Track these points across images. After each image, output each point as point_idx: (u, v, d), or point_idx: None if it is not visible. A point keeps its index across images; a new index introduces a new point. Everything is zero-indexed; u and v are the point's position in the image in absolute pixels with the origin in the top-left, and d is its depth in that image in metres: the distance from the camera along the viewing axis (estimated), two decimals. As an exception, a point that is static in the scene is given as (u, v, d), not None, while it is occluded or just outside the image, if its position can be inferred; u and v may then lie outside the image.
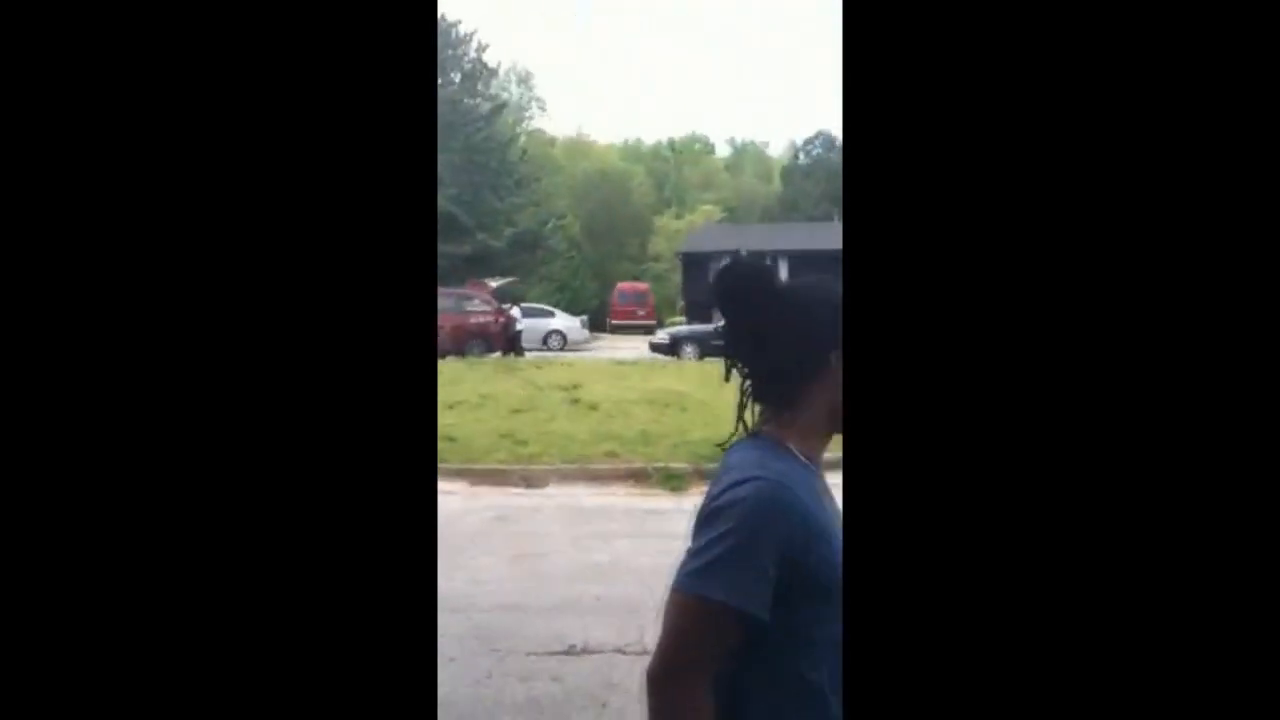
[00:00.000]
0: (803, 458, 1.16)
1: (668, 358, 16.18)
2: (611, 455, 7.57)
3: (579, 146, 49.06)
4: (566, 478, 7.16)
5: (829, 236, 31.15)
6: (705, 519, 1.09)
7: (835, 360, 1.14)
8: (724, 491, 1.09)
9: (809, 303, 1.19)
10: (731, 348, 1.21)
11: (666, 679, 1.06)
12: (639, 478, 7.09)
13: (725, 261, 1.25)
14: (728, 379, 1.24)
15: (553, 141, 47.00)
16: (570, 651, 3.72)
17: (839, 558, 1.07)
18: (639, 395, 10.21)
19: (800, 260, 29.58)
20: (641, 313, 28.86)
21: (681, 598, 1.05)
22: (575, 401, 9.93)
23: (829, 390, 1.15)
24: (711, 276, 1.27)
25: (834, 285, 1.17)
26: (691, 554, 1.07)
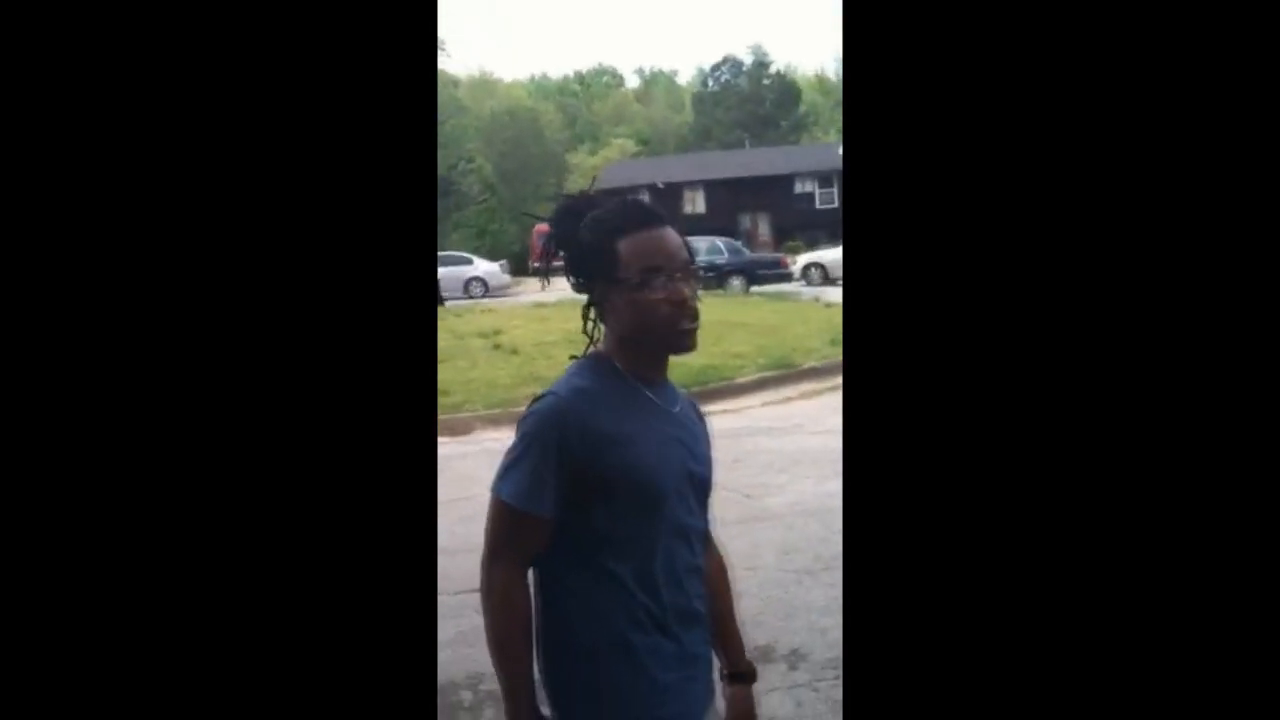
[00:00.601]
0: (628, 374, 1.25)
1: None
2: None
3: (485, 85, 47.68)
4: (493, 423, 7.18)
5: (742, 163, 31.26)
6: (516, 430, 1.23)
7: (598, 288, 1.25)
8: (528, 405, 1.23)
9: (588, 234, 1.26)
10: (568, 275, 1.32)
11: (484, 565, 1.22)
12: (564, 416, 7.14)
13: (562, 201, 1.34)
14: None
15: (456, 82, 45.53)
16: (500, 588, 3.81)
17: (642, 461, 1.21)
18: (560, 336, 10.22)
19: (716, 187, 29.67)
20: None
21: (491, 498, 1.22)
22: (496, 347, 9.89)
23: (619, 312, 1.24)
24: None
25: (621, 213, 1.25)
26: (501, 460, 1.22)
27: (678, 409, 1.30)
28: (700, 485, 1.30)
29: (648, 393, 1.26)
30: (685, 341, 1.23)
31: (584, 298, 1.30)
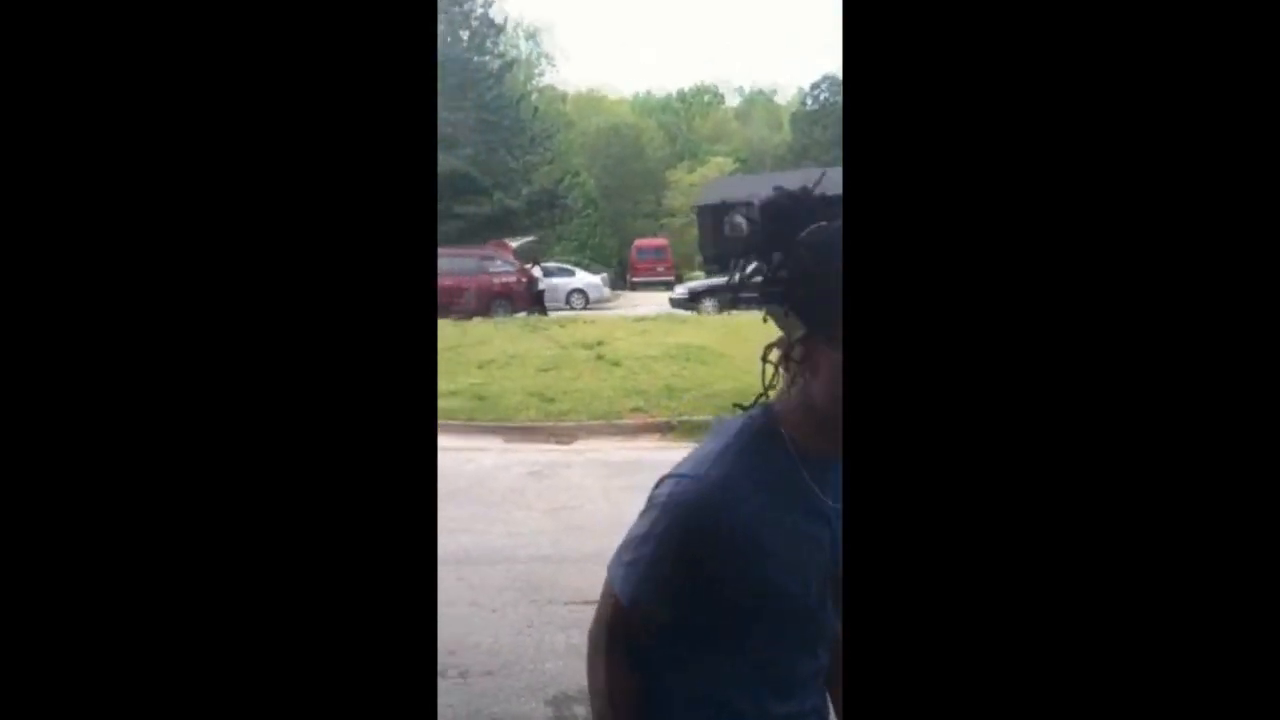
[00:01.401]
0: (796, 450, 1.01)
1: (687, 312, 16.24)
2: (638, 410, 7.71)
3: (591, 101, 48.55)
4: (595, 433, 7.31)
5: (837, 180, 30.75)
6: (645, 506, 1.08)
7: (807, 330, 0.97)
8: (663, 481, 1.07)
9: (811, 256, 0.98)
10: (766, 292, 1.02)
11: (591, 642, 1.12)
12: (664, 431, 7.20)
13: (770, 193, 1.08)
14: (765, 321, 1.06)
15: (564, 97, 46.54)
16: (607, 598, 3.87)
17: (779, 582, 1.01)
18: (661, 351, 10.31)
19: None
20: (661, 268, 29.06)
21: (606, 577, 1.10)
22: (600, 358, 10.05)
23: (825, 371, 0.96)
24: (744, 214, 1.08)
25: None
26: (624, 540, 1.09)
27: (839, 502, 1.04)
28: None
29: (809, 479, 1.01)
30: None
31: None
